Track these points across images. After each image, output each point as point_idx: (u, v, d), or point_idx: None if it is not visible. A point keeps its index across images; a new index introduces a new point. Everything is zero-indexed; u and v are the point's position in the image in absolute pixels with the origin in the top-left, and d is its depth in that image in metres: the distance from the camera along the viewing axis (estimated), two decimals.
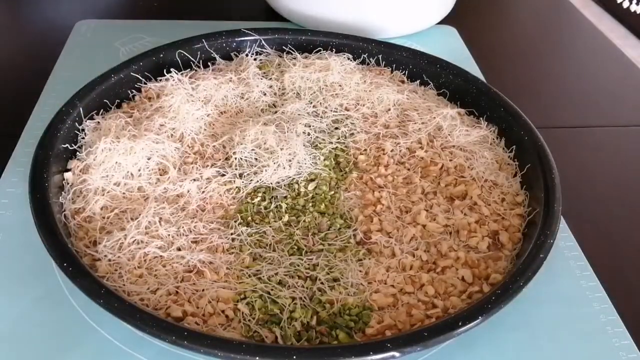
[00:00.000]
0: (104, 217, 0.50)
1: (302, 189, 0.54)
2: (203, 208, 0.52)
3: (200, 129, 0.60)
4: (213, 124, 0.61)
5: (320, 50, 0.71)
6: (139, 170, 0.54)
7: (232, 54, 0.70)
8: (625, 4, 1.02)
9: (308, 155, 0.57)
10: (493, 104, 0.63)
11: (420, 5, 0.83)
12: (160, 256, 0.47)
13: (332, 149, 0.59)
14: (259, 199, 0.53)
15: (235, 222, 0.51)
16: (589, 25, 0.95)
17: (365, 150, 0.59)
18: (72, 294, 0.47)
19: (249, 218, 0.52)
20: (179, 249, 0.48)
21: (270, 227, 0.51)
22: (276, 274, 0.47)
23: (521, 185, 0.56)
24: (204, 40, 0.69)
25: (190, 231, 0.50)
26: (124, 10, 0.90)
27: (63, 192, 0.52)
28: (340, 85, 0.66)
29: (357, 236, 0.51)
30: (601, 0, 1.08)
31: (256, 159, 0.56)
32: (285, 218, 0.52)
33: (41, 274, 0.48)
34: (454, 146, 0.59)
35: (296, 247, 0.50)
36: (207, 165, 0.56)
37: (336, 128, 0.62)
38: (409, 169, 0.57)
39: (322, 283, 0.46)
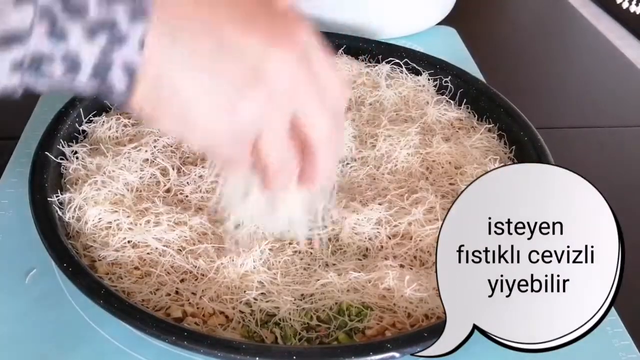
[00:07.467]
0: (104, 218, 0.50)
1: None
2: (203, 209, 0.52)
3: None
4: None
5: None
6: (139, 170, 0.54)
7: None
8: (625, 5, 1.02)
9: None
10: (493, 105, 0.63)
11: (420, 5, 0.83)
12: (161, 257, 0.47)
13: None
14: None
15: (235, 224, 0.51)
16: (588, 26, 0.95)
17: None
18: (72, 294, 0.47)
19: None
20: (179, 250, 0.48)
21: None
22: (275, 274, 0.47)
23: None
24: None
25: (191, 232, 0.49)
26: None
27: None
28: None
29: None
30: (600, 1, 1.08)
31: None
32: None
33: (41, 274, 0.48)
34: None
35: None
36: (207, 166, 0.56)
37: None
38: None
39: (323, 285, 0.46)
